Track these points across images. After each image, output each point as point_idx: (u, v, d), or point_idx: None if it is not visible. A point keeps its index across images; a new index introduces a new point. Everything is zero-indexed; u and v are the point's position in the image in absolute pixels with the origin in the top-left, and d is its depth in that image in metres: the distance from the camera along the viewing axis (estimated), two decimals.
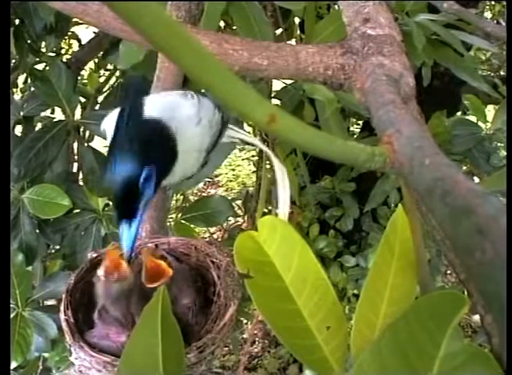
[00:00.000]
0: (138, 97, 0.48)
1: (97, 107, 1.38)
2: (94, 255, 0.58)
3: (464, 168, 1.32)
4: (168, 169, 0.52)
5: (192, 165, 0.57)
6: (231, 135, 0.68)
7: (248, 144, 0.71)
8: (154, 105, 0.55)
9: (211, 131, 0.59)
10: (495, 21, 2.01)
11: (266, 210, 1.39)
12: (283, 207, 0.63)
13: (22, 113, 1.08)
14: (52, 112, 1.35)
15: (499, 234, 0.16)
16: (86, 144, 1.05)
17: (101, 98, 1.43)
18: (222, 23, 1.16)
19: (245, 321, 1.64)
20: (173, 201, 1.48)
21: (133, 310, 0.51)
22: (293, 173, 1.14)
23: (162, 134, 0.51)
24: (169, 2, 0.71)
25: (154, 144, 0.49)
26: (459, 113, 1.64)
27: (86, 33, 1.64)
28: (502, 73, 1.92)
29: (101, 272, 0.51)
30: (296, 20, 1.19)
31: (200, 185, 2.78)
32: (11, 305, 0.91)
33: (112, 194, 0.47)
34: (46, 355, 1.05)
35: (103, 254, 0.58)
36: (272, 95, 1.08)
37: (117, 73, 1.49)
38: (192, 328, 0.52)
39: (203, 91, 0.63)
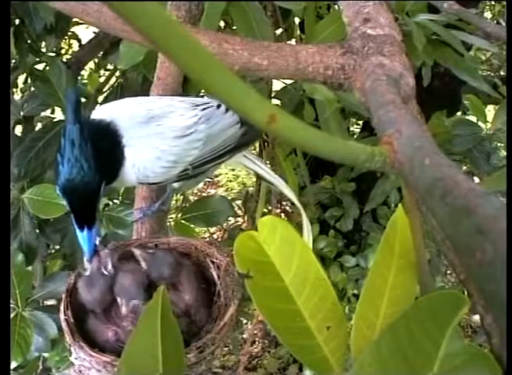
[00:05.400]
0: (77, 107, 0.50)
1: (97, 107, 1.37)
2: None
3: (464, 168, 1.32)
4: (114, 176, 0.55)
5: (163, 172, 0.58)
6: (248, 166, 0.68)
7: (266, 181, 0.69)
8: (135, 110, 0.57)
9: (205, 146, 0.59)
10: (495, 21, 2.01)
11: (266, 210, 1.39)
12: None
13: (22, 113, 1.08)
14: (52, 112, 1.35)
15: (500, 234, 0.16)
16: None
17: (101, 98, 1.43)
18: (222, 23, 1.16)
19: (245, 321, 1.64)
20: (173, 201, 1.48)
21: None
22: (293, 173, 1.14)
23: (112, 144, 0.54)
24: (169, 2, 0.71)
25: (105, 155, 0.52)
26: (459, 113, 1.63)
27: (86, 33, 1.64)
28: (502, 73, 1.91)
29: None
30: (296, 20, 1.19)
31: (200, 185, 2.78)
32: (11, 305, 0.91)
33: (69, 203, 0.50)
34: (46, 355, 1.05)
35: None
36: (272, 95, 1.08)
37: (117, 73, 1.49)
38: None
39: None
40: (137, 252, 0.55)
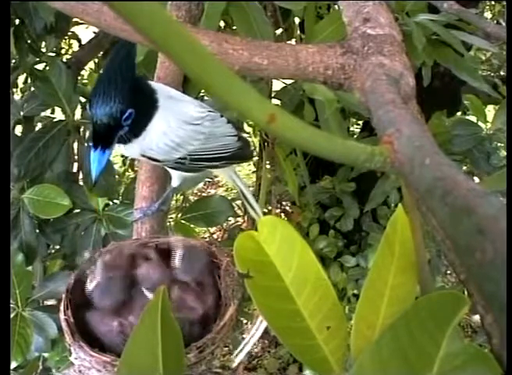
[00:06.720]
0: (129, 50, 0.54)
1: None
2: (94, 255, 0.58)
3: (464, 168, 1.32)
4: (143, 120, 0.57)
5: (166, 151, 0.60)
6: (233, 178, 0.71)
7: (244, 196, 0.73)
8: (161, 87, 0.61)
9: (206, 142, 0.62)
10: (495, 21, 2.01)
11: (266, 210, 1.39)
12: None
13: (22, 113, 1.07)
14: (52, 112, 1.35)
15: (500, 234, 0.16)
16: (86, 144, 1.05)
17: None
18: (222, 23, 1.16)
19: (245, 321, 1.64)
20: (173, 201, 1.48)
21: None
22: (293, 173, 1.14)
23: (148, 94, 0.57)
24: (169, 2, 0.71)
25: (138, 96, 0.54)
26: (459, 113, 1.64)
27: (86, 33, 1.64)
28: (502, 73, 1.91)
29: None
30: (297, 20, 1.19)
31: (200, 185, 2.78)
32: (11, 305, 0.91)
33: (94, 123, 0.52)
34: (46, 355, 1.05)
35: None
36: (272, 95, 1.08)
37: None
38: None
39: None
40: (172, 239, 0.56)
